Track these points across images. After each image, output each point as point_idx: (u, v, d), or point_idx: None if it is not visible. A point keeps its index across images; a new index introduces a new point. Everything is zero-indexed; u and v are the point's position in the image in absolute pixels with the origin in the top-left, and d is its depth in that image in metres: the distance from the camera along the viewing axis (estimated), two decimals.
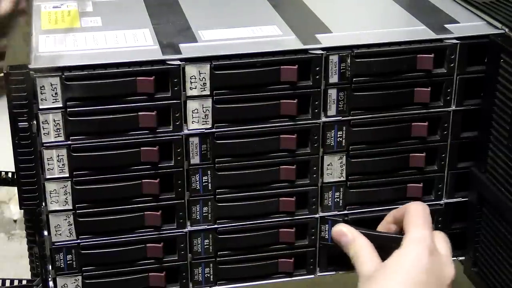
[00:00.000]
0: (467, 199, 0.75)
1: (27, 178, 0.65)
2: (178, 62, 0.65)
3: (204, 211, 0.70)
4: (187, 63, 0.65)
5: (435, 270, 0.63)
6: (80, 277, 0.70)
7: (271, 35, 0.70)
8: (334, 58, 0.67)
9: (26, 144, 0.64)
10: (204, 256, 0.72)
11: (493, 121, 0.69)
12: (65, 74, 0.63)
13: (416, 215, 0.67)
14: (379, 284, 0.63)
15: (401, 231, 0.68)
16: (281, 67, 0.66)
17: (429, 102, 0.70)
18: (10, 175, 0.85)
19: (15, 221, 1.59)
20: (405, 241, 0.65)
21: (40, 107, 0.64)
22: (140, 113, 0.65)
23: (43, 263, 0.68)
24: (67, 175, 0.66)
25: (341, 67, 0.68)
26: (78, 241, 0.69)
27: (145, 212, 0.69)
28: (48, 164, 0.66)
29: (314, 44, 0.68)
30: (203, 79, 0.66)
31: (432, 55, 0.69)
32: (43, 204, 0.67)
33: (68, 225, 0.68)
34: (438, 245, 0.66)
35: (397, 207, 0.72)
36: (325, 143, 0.70)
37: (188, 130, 0.67)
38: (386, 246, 0.67)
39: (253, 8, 0.77)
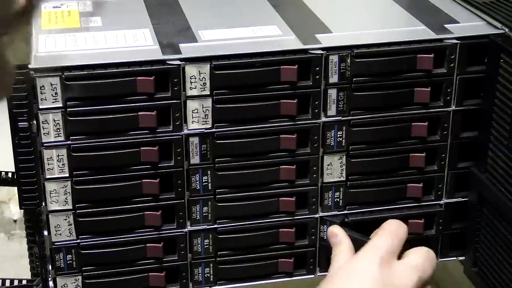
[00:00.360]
0: (467, 199, 0.74)
1: (27, 178, 0.65)
2: (178, 62, 0.65)
3: (204, 211, 0.70)
4: (187, 63, 0.65)
5: (384, 279, 0.62)
6: (80, 277, 0.70)
7: (271, 35, 0.70)
8: (334, 58, 0.67)
9: (26, 144, 0.64)
10: (204, 256, 0.72)
11: (493, 121, 0.69)
12: (65, 74, 0.63)
13: (384, 228, 0.66)
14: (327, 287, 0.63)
15: None
16: (281, 67, 0.66)
17: (429, 102, 0.70)
18: (10, 175, 0.85)
19: (15, 221, 1.59)
20: (362, 248, 0.64)
21: (40, 107, 0.64)
22: (140, 113, 0.65)
23: (43, 263, 0.68)
24: (67, 175, 0.66)
25: (341, 67, 0.68)
26: (78, 241, 0.69)
27: (145, 212, 0.69)
28: (48, 164, 0.66)
29: (314, 44, 0.68)
30: (203, 79, 0.66)
31: (432, 55, 0.69)
32: (43, 204, 0.67)
33: (68, 225, 0.68)
34: (409, 257, 0.64)
35: (396, 208, 0.72)
36: (325, 143, 0.70)
37: (188, 130, 0.67)
38: None
39: (253, 8, 0.77)
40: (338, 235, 0.68)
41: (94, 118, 0.65)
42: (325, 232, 0.73)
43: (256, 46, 0.67)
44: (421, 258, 0.64)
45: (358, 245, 0.67)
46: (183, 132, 0.67)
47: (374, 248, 0.64)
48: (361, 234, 0.69)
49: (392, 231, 0.66)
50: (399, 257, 0.65)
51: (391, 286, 0.62)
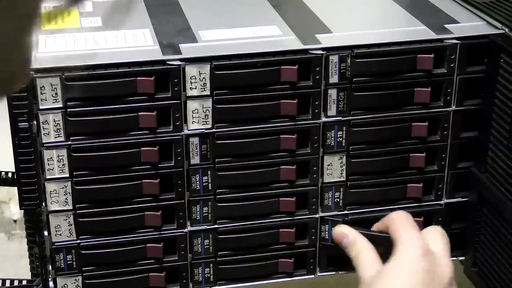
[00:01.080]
0: (467, 199, 0.74)
1: (27, 178, 0.65)
2: (178, 62, 0.65)
3: (204, 211, 0.70)
4: (187, 63, 0.65)
5: (432, 269, 0.63)
6: (80, 277, 0.70)
7: (271, 35, 0.70)
8: (334, 58, 0.67)
9: (26, 144, 0.64)
10: (204, 256, 0.72)
11: (493, 121, 0.69)
12: (65, 74, 0.63)
13: (401, 220, 0.66)
14: None
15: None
16: (281, 67, 0.66)
17: (429, 102, 0.70)
18: (10, 175, 0.85)
19: (15, 221, 1.59)
20: (399, 246, 0.64)
21: (40, 107, 0.64)
22: (140, 113, 0.65)
23: (43, 263, 0.68)
24: (67, 175, 0.66)
25: (341, 67, 0.68)
26: (78, 241, 0.69)
27: (145, 212, 0.69)
28: (48, 164, 0.66)
29: (314, 44, 0.68)
30: (203, 79, 0.66)
31: (432, 55, 0.69)
32: (43, 204, 0.67)
33: (68, 225, 0.68)
34: (432, 244, 0.65)
35: (397, 208, 0.72)
36: (325, 143, 0.70)
37: (188, 130, 0.67)
38: (384, 246, 0.67)
39: (253, 8, 0.77)
40: (348, 235, 0.68)
41: (94, 119, 0.65)
42: (325, 232, 0.73)
43: (256, 46, 0.67)
44: (442, 243, 0.65)
45: (371, 240, 0.66)
46: (183, 132, 0.67)
47: (413, 242, 0.64)
48: (367, 229, 0.69)
49: (410, 223, 0.66)
50: None
51: (439, 274, 0.63)
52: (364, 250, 0.67)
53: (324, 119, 0.69)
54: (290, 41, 0.69)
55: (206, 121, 0.67)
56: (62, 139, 0.65)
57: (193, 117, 0.67)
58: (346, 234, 0.68)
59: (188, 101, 0.66)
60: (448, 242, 0.66)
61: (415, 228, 0.66)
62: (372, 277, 0.64)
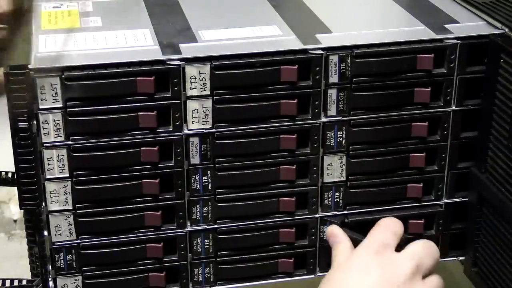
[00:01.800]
0: (467, 199, 0.75)
1: (27, 178, 0.65)
2: (178, 62, 0.65)
3: (204, 211, 0.70)
4: (187, 63, 0.65)
5: (382, 267, 0.64)
6: (80, 277, 0.70)
7: (271, 35, 0.70)
8: (334, 58, 0.67)
9: (26, 144, 0.64)
10: (204, 256, 0.72)
11: (493, 121, 0.69)
12: (65, 74, 0.63)
13: (379, 223, 0.69)
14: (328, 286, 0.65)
15: None
16: (281, 67, 0.66)
17: (429, 102, 0.70)
18: (10, 175, 0.85)
19: (15, 221, 1.59)
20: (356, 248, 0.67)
21: (40, 107, 0.64)
22: (140, 113, 0.65)
23: (43, 263, 0.68)
24: (67, 175, 0.66)
25: (341, 67, 0.68)
26: (78, 241, 0.69)
27: (145, 212, 0.69)
28: (48, 164, 0.66)
29: (314, 44, 0.68)
30: (203, 79, 0.66)
31: (432, 55, 0.69)
32: (43, 204, 0.67)
33: (68, 225, 0.68)
34: (407, 247, 0.66)
35: (396, 208, 0.73)
36: (325, 143, 0.70)
37: (188, 130, 0.67)
38: None
39: (253, 8, 0.77)
40: (337, 235, 0.69)
41: (94, 118, 0.65)
42: (325, 233, 0.73)
43: (256, 46, 0.67)
44: (419, 247, 0.67)
45: (358, 245, 0.67)
46: (183, 132, 0.67)
47: (369, 242, 0.66)
48: (361, 234, 0.69)
49: (386, 226, 0.68)
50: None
51: (389, 274, 0.64)
52: (343, 252, 0.68)
53: (324, 119, 0.69)
54: (290, 41, 0.69)
55: (206, 121, 0.67)
56: (62, 139, 0.65)
57: (193, 117, 0.67)
58: (335, 234, 0.70)
59: (188, 101, 0.66)
60: (432, 252, 0.67)
61: (385, 230, 0.68)
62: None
